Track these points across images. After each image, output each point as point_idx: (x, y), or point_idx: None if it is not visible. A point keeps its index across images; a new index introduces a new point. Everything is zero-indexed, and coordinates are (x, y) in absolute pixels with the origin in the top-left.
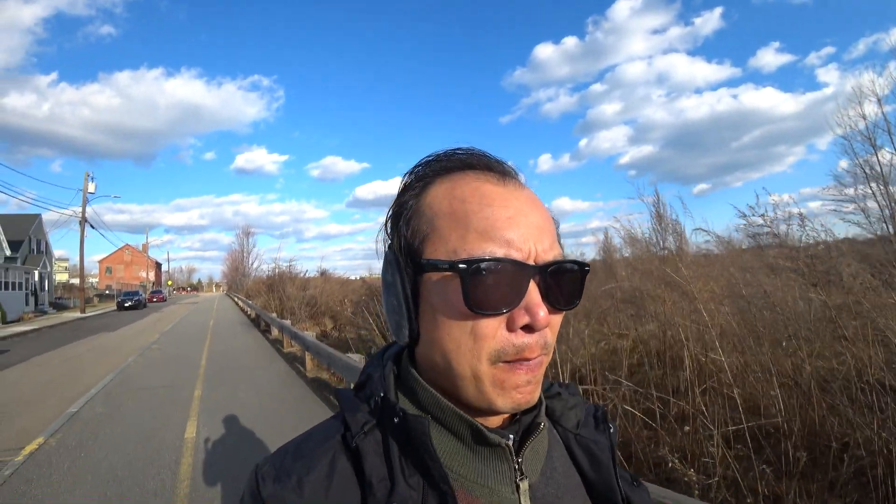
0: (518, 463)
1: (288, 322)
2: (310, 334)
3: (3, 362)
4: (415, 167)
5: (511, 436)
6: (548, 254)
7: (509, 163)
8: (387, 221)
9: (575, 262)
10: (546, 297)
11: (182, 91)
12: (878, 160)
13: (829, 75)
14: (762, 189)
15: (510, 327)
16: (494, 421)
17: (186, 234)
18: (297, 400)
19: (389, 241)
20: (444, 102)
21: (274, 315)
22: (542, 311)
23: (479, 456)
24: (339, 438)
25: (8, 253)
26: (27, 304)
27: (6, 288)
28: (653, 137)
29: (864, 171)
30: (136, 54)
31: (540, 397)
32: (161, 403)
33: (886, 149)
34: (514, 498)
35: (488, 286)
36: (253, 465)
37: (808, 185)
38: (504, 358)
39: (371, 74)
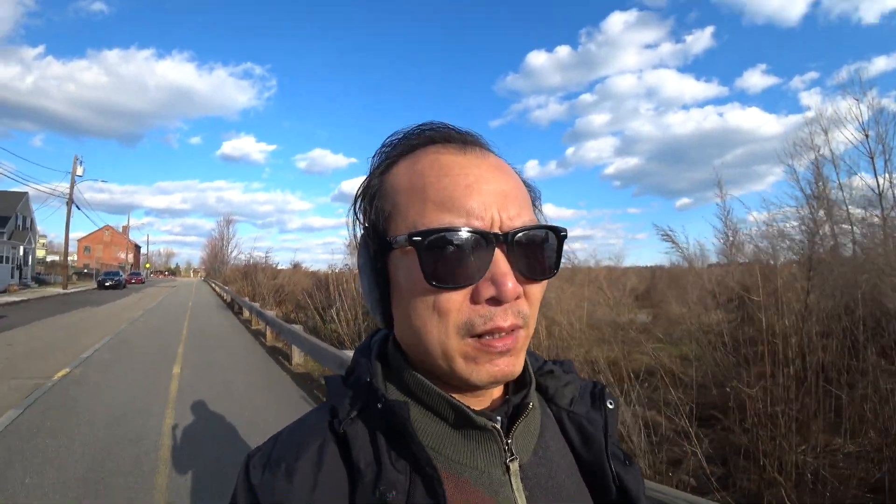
0: (507, 444)
1: (257, 304)
2: (271, 313)
3: (7, 324)
4: (381, 147)
5: (499, 417)
6: (515, 220)
7: (473, 133)
8: (355, 204)
9: (548, 226)
10: (517, 266)
11: (172, 73)
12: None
13: (811, 99)
14: (740, 205)
15: (475, 300)
16: (484, 400)
17: (167, 218)
18: (256, 358)
19: (359, 224)
20: (436, 103)
21: (246, 299)
22: (509, 282)
23: (467, 438)
24: (328, 425)
25: None
26: (12, 277)
27: None
28: (639, 150)
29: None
30: (128, 33)
31: (529, 375)
32: (153, 355)
33: (865, 173)
34: (505, 479)
35: (447, 258)
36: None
37: (789, 205)
38: (473, 331)
39: (364, 72)
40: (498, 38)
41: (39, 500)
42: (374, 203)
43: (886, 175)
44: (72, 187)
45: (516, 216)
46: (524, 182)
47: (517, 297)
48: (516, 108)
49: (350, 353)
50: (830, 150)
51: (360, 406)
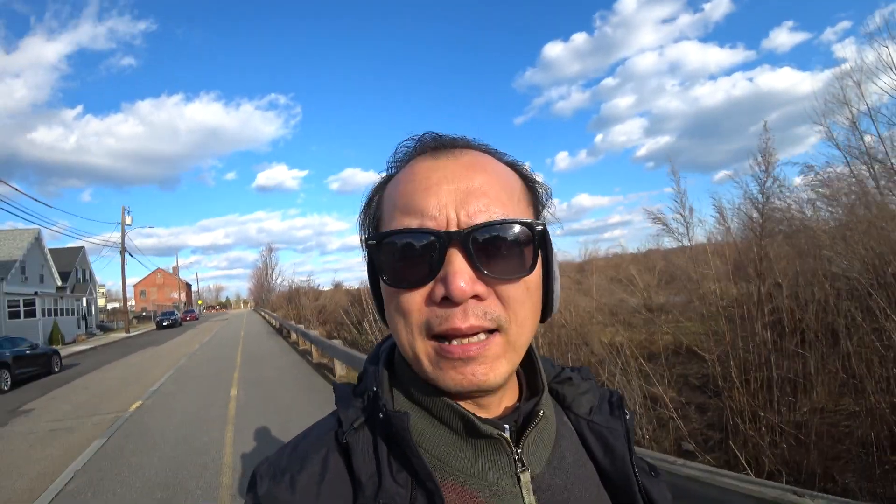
0: (517, 454)
1: (302, 326)
2: (314, 332)
3: (82, 370)
4: (387, 165)
5: (507, 426)
6: (475, 217)
7: (455, 137)
8: (360, 221)
9: (516, 221)
10: (479, 265)
11: (201, 114)
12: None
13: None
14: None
15: (431, 300)
16: (494, 409)
17: (213, 254)
18: (303, 374)
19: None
20: (458, 107)
21: (292, 322)
22: (460, 282)
23: (475, 448)
24: (333, 435)
25: (59, 283)
26: (79, 327)
27: (61, 314)
28: (669, 128)
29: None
30: (156, 82)
31: (542, 382)
32: (212, 381)
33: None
34: (516, 490)
35: (399, 259)
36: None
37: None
38: (433, 331)
39: (385, 84)
40: (511, 36)
41: (131, 502)
42: (368, 219)
43: None
44: (123, 236)
45: (479, 212)
46: (525, 178)
47: (477, 298)
48: (538, 102)
49: None
50: (867, 103)
51: (364, 416)
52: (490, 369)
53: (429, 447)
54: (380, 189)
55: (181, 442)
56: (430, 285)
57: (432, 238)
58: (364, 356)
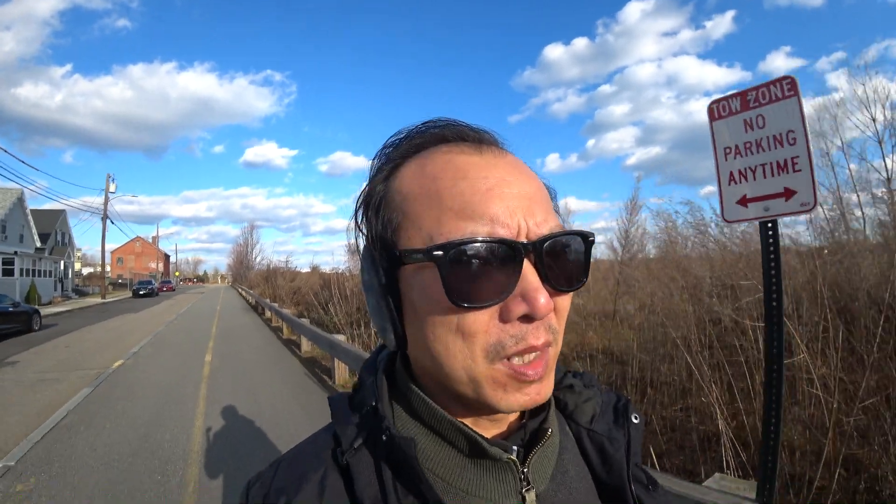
0: (524, 473)
1: (276, 305)
2: (287, 311)
3: (61, 331)
4: (382, 149)
5: (514, 447)
6: (542, 227)
7: (487, 130)
8: (356, 213)
9: (577, 232)
10: (546, 278)
11: (194, 84)
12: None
13: (838, 80)
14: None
15: (505, 318)
16: (500, 425)
17: (194, 226)
18: (273, 349)
19: (363, 235)
20: (454, 101)
21: (267, 300)
22: (542, 297)
23: (480, 467)
24: (330, 454)
25: (38, 244)
26: (55, 289)
27: (39, 275)
28: (660, 139)
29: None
30: (150, 48)
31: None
32: (188, 348)
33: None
34: None
35: (472, 273)
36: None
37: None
38: (504, 353)
39: (382, 72)
40: (513, 34)
41: (119, 434)
42: (379, 213)
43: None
44: (105, 204)
45: (543, 222)
46: (543, 182)
47: (549, 313)
48: (535, 102)
49: (339, 337)
50: (841, 138)
51: (364, 434)
52: (547, 385)
53: (432, 467)
54: (386, 176)
55: (161, 393)
56: (503, 302)
57: (511, 249)
58: (321, 332)
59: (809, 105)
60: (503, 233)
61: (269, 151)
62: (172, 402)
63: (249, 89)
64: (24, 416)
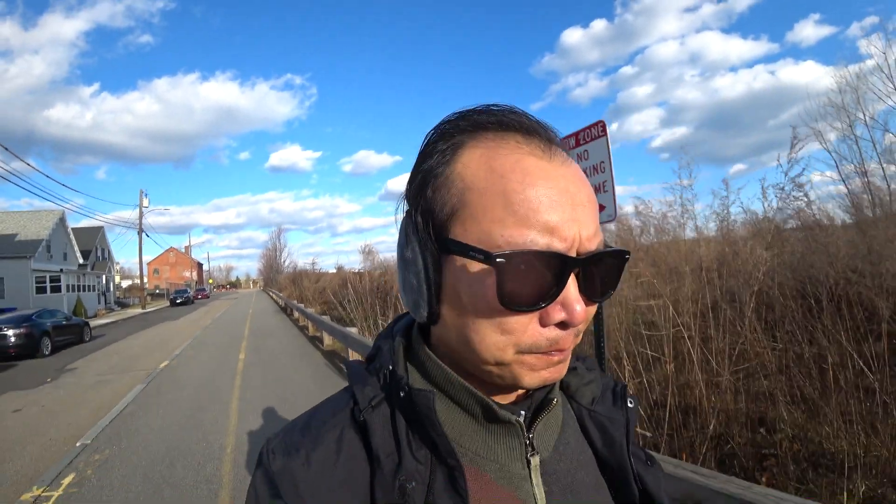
0: (529, 438)
1: (302, 305)
2: (311, 310)
3: (109, 340)
4: (441, 124)
5: (522, 412)
6: (592, 242)
7: (550, 126)
8: (408, 189)
9: (618, 250)
10: (584, 288)
11: (217, 94)
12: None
13: (872, 46)
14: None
15: (544, 322)
16: (508, 395)
17: (224, 233)
18: (300, 344)
19: (409, 211)
20: (475, 92)
21: (294, 301)
22: (579, 307)
23: (489, 431)
24: (348, 412)
25: (81, 261)
26: (99, 302)
27: (84, 290)
28: (686, 119)
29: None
30: (173, 60)
31: None
32: (224, 347)
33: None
34: (525, 473)
35: (525, 281)
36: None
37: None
38: (535, 351)
39: (401, 67)
40: (531, 21)
41: (170, 417)
42: (437, 193)
43: None
44: (140, 218)
45: (593, 236)
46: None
47: (583, 321)
48: (555, 88)
49: (351, 330)
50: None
51: (381, 394)
52: (566, 365)
53: (444, 427)
54: (446, 158)
55: (203, 386)
56: (545, 308)
57: (563, 263)
58: (336, 325)
59: (839, 75)
60: (559, 246)
61: (293, 155)
62: (212, 391)
63: (271, 94)
64: (91, 409)
